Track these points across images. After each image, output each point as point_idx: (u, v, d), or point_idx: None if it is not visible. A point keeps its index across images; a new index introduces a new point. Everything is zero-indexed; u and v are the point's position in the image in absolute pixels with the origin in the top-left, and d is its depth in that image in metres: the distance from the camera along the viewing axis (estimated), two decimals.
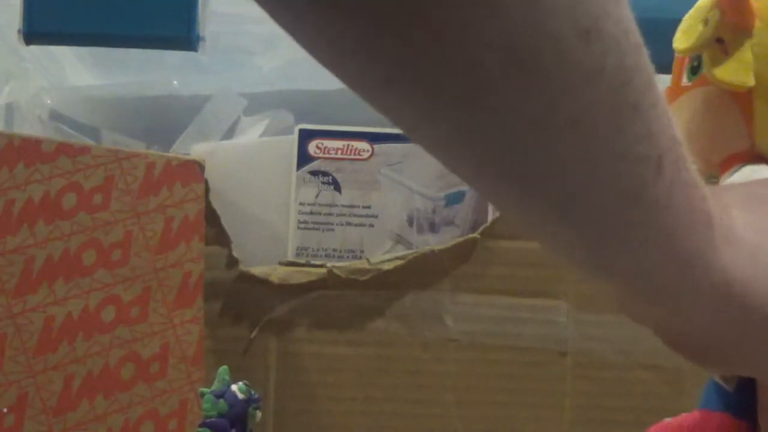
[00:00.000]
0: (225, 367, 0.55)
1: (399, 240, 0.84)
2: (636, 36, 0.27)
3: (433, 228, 0.83)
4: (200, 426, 0.53)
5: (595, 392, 0.80)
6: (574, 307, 0.80)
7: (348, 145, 0.83)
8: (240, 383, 0.55)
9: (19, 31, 0.81)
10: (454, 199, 0.83)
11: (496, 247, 0.80)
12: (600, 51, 0.25)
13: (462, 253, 0.80)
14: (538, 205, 0.29)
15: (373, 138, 0.83)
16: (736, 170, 0.44)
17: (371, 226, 0.84)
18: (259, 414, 0.56)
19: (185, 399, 0.73)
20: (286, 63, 0.89)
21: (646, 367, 0.79)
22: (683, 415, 0.43)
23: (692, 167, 0.31)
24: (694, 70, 0.45)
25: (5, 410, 0.68)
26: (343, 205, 0.84)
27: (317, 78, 0.84)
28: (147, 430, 0.72)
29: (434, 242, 0.82)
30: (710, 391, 0.43)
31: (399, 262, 0.80)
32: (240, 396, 0.54)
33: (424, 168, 0.82)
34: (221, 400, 0.54)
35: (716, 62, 0.43)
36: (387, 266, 0.80)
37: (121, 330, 0.72)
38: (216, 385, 0.54)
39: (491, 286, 0.80)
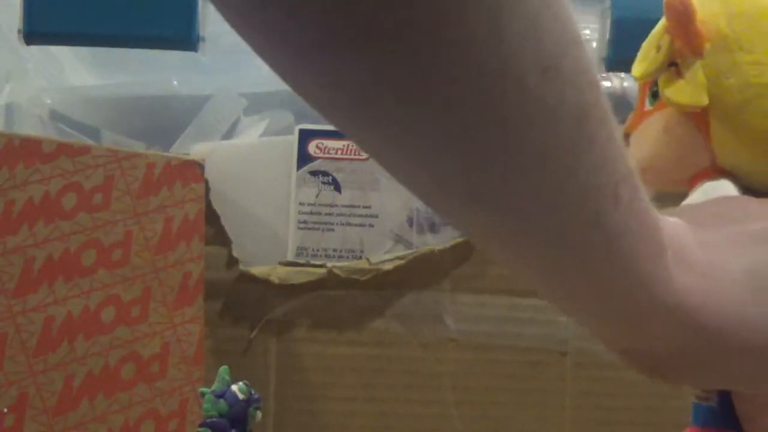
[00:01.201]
0: (225, 367, 0.55)
1: (399, 240, 0.84)
2: (592, 73, 0.28)
3: (433, 228, 0.83)
4: (200, 426, 0.53)
5: (595, 392, 0.80)
6: None
7: (348, 145, 0.83)
8: (240, 383, 0.55)
9: (19, 31, 0.81)
10: None
11: None
12: (558, 87, 0.27)
13: (462, 253, 0.80)
14: (500, 229, 0.30)
15: None
16: (698, 187, 0.46)
17: (371, 226, 0.84)
18: (259, 414, 0.56)
19: (185, 399, 0.73)
20: None
21: None
22: None
23: (644, 196, 0.32)
24: (655, 95, 0.47)
25: (5, 410, 0.68)
26: (343, 205, 0.84)
27: None
28: (147, 430, 0.72)
29: (434, 242, 0.82)
30: (697, 407, 0.44)
31: (399, 262, 0.80)
32: (240, 396, 0.54)
33: None
34: (221, 400, 0.53)
35: (670, 86, 0.45)
36: (387, 266, 0.80)
37: (121, 330, 0.72)
38: (216, 385, 0.54)
39: (491, 286, 0.80)
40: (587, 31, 0.89)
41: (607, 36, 0.83)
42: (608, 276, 0.32)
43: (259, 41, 0.26)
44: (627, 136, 0.48)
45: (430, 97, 0.25)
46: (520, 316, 0.80)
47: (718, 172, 0.45)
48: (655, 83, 0.46)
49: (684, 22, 0.44)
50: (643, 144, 0.47)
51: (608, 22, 0.83)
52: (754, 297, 0.35)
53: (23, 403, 0.68)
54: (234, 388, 0.54)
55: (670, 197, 0.41)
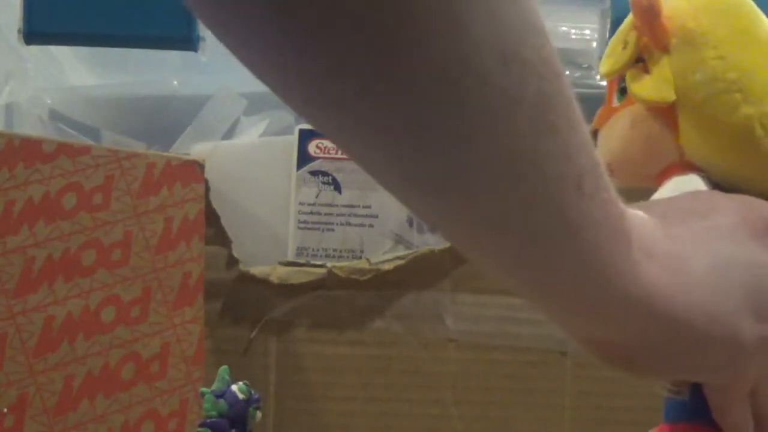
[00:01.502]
0: (225, 367, 0.55)
1: (399, 240, 0.84)
2: (556, 64, 0.28)
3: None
4: (200, 426, 0.53)
5: (595, 392, 0.80)
6: None
7: None
8: (240, 383, 0.55)
9: (19, 31, 0.82)
10: None
11: None
12: (519, 77, 0.27)
13: (458, 250, 0.80)
14: (461, 217, 0.30)
15: None
16: (667, 182, 0.46)
17: (371, 226, 0.84)
18: (259, 414, 0.56)
19: (185, 399, 0.73)
20: None
21: None
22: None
23: (611, 186, 0.32)
24: (623, 91, 0.47)
25: (5, 410, 0.68)
26: (343, 205, 0.84)
27: None
28: (147, 430, 0.72)
29: (434, 242, 0.82)
30: (668, 402, 0.44)
31: (399, 262, 0.80)
32: (240, 396, 0.54)
33: None
34: (221, 400, 0.53)
35: (637, 81, 0.45)
36: (387, 266, 0.80)
37: (121, 330, 0.72)
38: (216, 385, 0.54)
39: (491, 286, 0.80)
40: (587, 31, 0.89)
41: (607, 36, 0.83)
42: (572, 267, 0.32)
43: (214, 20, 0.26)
44: (595, 132, 0.48)
45: (385, 84, 0.25)
46: (520, 316, 0.80)
47: (686, 166, 0.46)
48: (623, 79, 0.46)
49: (650, 18, 0.44)
50: (611, 139, 0.47)
51: (608, 22, 0.83)
52: (717, 290, 0.36)
53: (23, 403, 0.68)
54: (234, 388, 0.54)
55: (639, 192, 0.41)
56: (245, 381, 0.55)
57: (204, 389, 0.54)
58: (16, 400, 0.68)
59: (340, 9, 0.24)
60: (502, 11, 0.26)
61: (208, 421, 0.53)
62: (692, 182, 0.45)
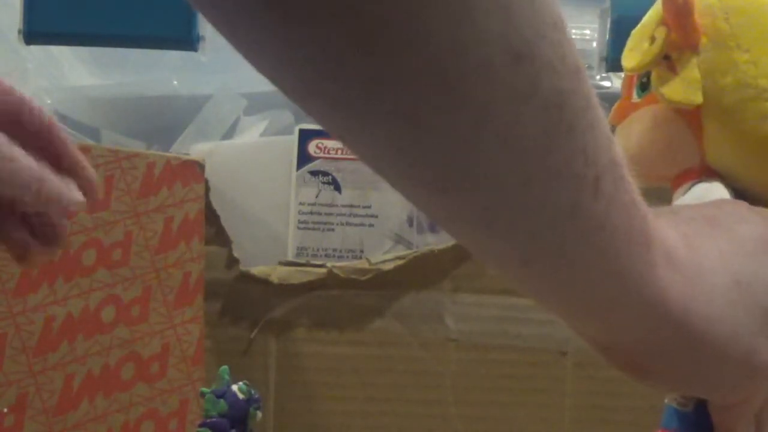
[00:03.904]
0: (225, 367, 0.55)
1: (399, 240, 0.84)
2: (574, 58, 0.27)
3: (433, 228, 0.83)
4: (200, 426, 0.53)
5: (595, 392, 0.80)
6: None
7: None
8: (240, 383, 0.55)
9: (19, 31, 0.81)
10: None
11: None
12: (532, 74, 0.26)
13: (462, 253, 0.80)
14: (467, 217, 0.29)
15: None
16: (689, 188, 0.44)
17: (371, 226, 0.84)
18: (259, 414, 0.56)
19: (185, 399, 0.73)
20: None
21: None
22: None
23: (633, 188, 0.31)
24: (644, 87, 0.45)
25: (5, 410, 0.68)
26: (343, 205, 0.84)
27: None
28: (147, 430, 0.72)
29: (434, 242, 0.82)
30: (671, 411, 0.43)
31: (399, 262, 0.80)
32: (240, 396, 0.54)
33: None
34: (221, 400, 0.53)
35: (664, 81, 0.43)
36: (387, 266, 0.80)
37: (121, 330, 0.72)
38: (216, 385, 0.54)
39: (491, 286, 0.80)
40: (587, 31, 0.89)
41: (607, 36, 0.83)
42: (585, 267, 0.31)
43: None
44: (612, 128, 0.45)
45: (383, 75, 0.24)
46: (520, 316, 0.80)
47: (706, 171, 0.44)
48: (646, 74, 0.45)
49: (682, 15, 0.42)
50: (630, 137, 0.45)
51: (608, 22, 0.83)
52: (737, 308, 0.35)
53: (23, 403, 0.68)
54: (234, 388, 0.54)
55: (655, 192, 0.40)
56: (245, 381, 0.55)
57: (204, 389, 0.54)
58: (16, 400, 0.68)
59: None
60: (517, 5, 0.25)
61: (208, 421, 0.53)
62: (717, 191, 0.44)
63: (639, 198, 0.31)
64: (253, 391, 0.56)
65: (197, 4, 0.25)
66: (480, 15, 0.24)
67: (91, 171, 0.49)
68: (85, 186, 0.48)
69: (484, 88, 0.25)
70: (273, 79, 0.26)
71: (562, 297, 0.33)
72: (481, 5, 0.24)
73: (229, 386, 0.54)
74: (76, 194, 0.47)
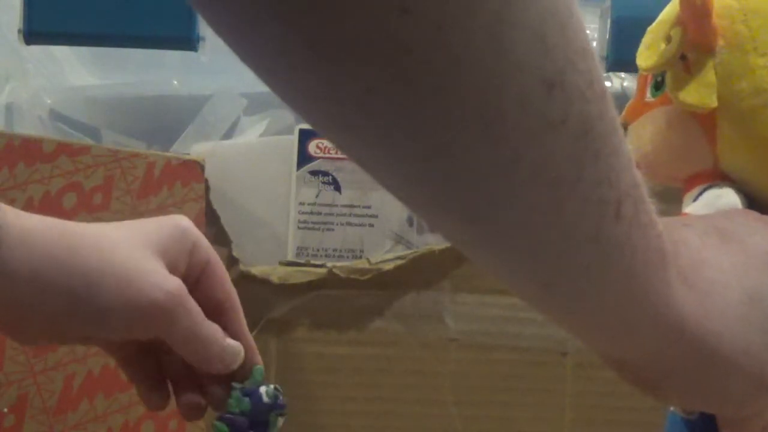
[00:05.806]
0: (260, 367, 0.54)
1: (399, 240, 0.84)
2: (601, 84, 0.27)
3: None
4: (218, 419, 0.53)
5: (595, 392, 0.80)
6: None
7: None
8: (271, 386, 0.54)
9: (19, 31, 0.81)
10: None
11: None
12: (563, 102, 0.26)
13: (462, 253, 0.80)
14: (500, 246, 0.29)
15: None
16: (701, 193, 0.44)
17: (371, 226, 0.84)
18: (281, 421, 0.55)
19: None
20: None
21: None
22: None
23: (650, 207, 0.31)
24: (658, 86, 0.45)
25: (5, 410, 0.68)
26: (343, 205, 0.84)
27: None
28: (147, 430, 0.72)
29: (434, 242, 0.82)
30: (675, 418, 0.43)
31: (399, 262, 0.80)
32: (265, 399, 0.54)
33: None
34: (246, 399, 0.53)
35: (679, 84, 0.42)
36: (387, 266, 0.80)
37: None
38: (248, 383, 0.54)
39: (491, 286, 0.80)
40: (587, 31, 0.89)
41: (607, 36, 0.83)
42: (604, 288, 0.31)
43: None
44: (624, 126, 0.45)
45: (420, 111, 0.24)
46: (520, 316, 0.80)
47: (717, 175, 0.44)
48: (660, 74, 0.44)
49: (700, 16, 0.41)
50: (642, 137, 0.45)
51: (608, 22, 0.83)
52: (750, 323, 0.35)
53: (23, 403, 0.68)
54: (262, 389, 0.54)
55: (666, 193, 0.40)
56: (277, 386, 0.55)
57: (236, 383, 0.53)
58: (16, 400, 0.68)
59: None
60: (550, 32, 0.25)
61: (228, 416, 0.53)
62: (728, 197, 0.43)
63: (655, 216, 0.32)
64: (280, 398, 0.55)
65: (243, 57, 0.25)
66: (520, 47, 0.24)
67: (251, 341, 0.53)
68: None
69: (520, 119, 0.25)
70: (303, 115, 0.26)
71: (580, 317, 0.33)
72: (521, 37, 0.24)
73: (258, 387, 0.54)
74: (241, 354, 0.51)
